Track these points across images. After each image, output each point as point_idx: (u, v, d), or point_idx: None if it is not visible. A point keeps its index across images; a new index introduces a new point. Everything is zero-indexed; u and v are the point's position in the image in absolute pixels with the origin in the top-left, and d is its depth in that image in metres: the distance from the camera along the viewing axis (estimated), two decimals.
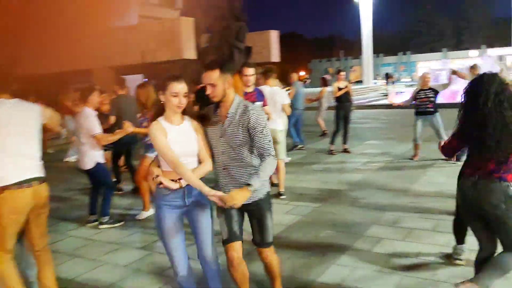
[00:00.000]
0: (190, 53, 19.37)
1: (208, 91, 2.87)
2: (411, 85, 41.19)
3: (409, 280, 3.64)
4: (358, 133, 12.68)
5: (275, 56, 26.34)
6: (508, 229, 2.85)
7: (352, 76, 61.74)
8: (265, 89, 5.92)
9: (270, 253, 3.16)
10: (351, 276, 3.77)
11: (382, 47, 62.67)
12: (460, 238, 3.88)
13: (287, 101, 6.44)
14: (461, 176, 3.06)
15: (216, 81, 2.84)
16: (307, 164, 8.59)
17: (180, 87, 2.79)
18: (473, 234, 3.12)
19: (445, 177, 6.87)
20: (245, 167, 2.91)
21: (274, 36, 26.40)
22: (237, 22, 22.67)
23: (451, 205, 5.47)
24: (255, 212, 3.00)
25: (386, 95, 30.98)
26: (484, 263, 3.02)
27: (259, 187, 2.75)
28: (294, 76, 10.55)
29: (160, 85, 2.84)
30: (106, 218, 5.50)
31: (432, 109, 7.97)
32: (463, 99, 2.95)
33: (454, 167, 7.44)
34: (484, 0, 67.57)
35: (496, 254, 3.01)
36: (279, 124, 6.23)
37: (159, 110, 2.89)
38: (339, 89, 9.35)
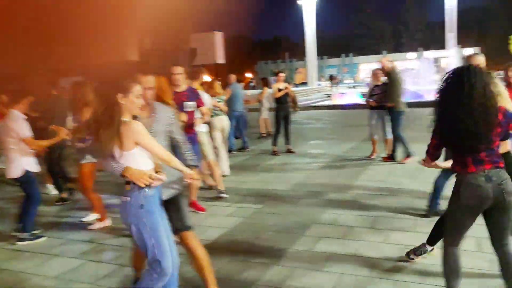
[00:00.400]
0: (133, 55, 18.93)
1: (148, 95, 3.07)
2: (353, 86, 42.56)
3: (348, 278, 3.68)
4: (302, 134, 12.87)
5: (220, 57, 26.27)
6: None
7: (298, 78, 62.81)
8: None
9: (194, 237, 3.33)
10: (291, 276, 3.76)
11: (326, 49, 64.15)
12: (434, 240, 3.81)
13: (207, 104, 6.34)
14: (464, 175, 2.85)
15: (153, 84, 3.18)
16: (250, 166, 8.58)
17: (141, 89, 2.88)
18: (457, 233, 2.98)
19: (384, 175, 7.08)
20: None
21: (218, 37, 26.31)
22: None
23: (389, 202, 5.67)
24: (177, 199, 3.28)
25: (330, 96, 31.78)
26: (457, 259, 2.97)
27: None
28: (232, 78, 10.48)
29: (120, 87, 2.79)
30: (25, 234, 4.96)
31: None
32: (442, 94, 2.85)
33: (393, 165, 7.72)
34: (419, 5, 70.75)
35: (504, 259, 2.90)
36: (202, 127, 6.11)
37: (114, 112, 2.77)
38: (279, 90, 9.40)
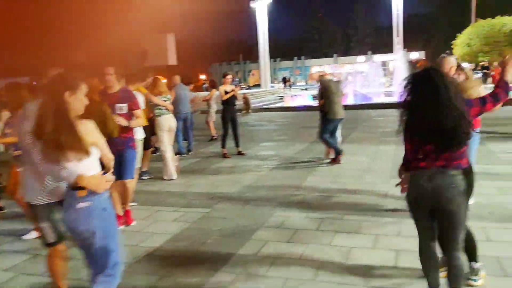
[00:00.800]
0: (79, 56, 18.25)
1: None
2: (305, 89, 43.14)
3: (292, 283, 3.63)
4: (254, 136, 12.84)
5: (172, 59, 25.88)
6: (455, 224, 2.80)
7: (251, 80, 63.06)
8: None
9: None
10: (234, 283, 3.67)
11: (279, 52, 64.77)
12: (471, 255, 3.47)
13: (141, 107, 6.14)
14: (414, 171, 2.88)
15: None
16: (199, 169, 8.43)
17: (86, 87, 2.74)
18: (417, 229, 3.01)
19: (332, 177, 7.13)
20: None
21: (170, 39, 25.93)
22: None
23: (336, 203, 5.70)
24: None
25: (282, 98, 32.05)
26: (432, 254, 2.98)
27: None
28: (176, 79, 10.27)
29: (69, 86, 2.64)
30: None
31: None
32: (407, 97, 2.82)
33: (340, 167, 7.81)
34: (368, 10, 73.03)
35: (450, 264, 2.91)
36: (137, 133, 5.84)
37: (65, 112, 2.62)
38: (226, 92, 9.32)
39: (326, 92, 7.98)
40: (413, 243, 3.92)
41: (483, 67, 24.65)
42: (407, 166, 2.98)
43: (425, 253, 2.99)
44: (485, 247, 4.08)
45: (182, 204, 6.07)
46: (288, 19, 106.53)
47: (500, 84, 2.98)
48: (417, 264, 3.14)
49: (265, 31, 45.26)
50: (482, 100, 2.93)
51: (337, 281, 3.62)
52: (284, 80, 47.82)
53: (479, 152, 8.46)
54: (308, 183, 6.86)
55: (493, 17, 41.80)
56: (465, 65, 35.21)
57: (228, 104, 9.35)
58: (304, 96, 30.86)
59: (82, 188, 2.64)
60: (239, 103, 22.84)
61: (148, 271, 3.96)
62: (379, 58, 51.72)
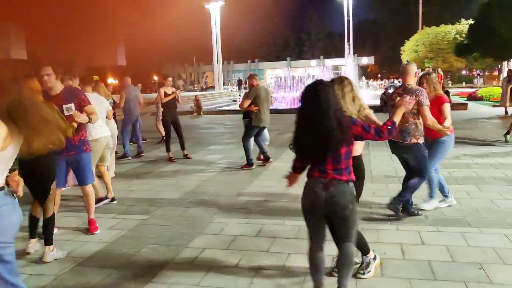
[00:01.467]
0: (21, 53, 17.43)
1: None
2: None
3: None
4: (203, 138, 12.68)
5: (121, 59, 25.32)
6: (350, 225, 3.07)
7: (209, 81, 62.58)
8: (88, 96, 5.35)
9: None
10: None
11: (233, 54, 64.72)
12: (363, 248, 3.74)
13: (109, 107, 6.10)
14: (309, 179, 3.12)
15: None
16: (143, 173, 8.19)
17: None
18: (309, 232, 3.20)
19: (275, 181, 7.10)
20: None
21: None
22: None
23: (277, 208, 5.67)
24: None
25: (235, 101, 31.98)
26: (320, 258, 3.17)
27: None
28: (127, 80, 10.01)
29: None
30: None
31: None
32: (298, 108, 3.06)
33: (284, 171, 7.80)
34: (320, 16, 74.65)
35: (341, 253, 3.17)
36: (107, 130, 6.04)
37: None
38: (166, 94, 9.14)
39: (259, 100, 8.11)
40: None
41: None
42: (298, 171, 3.29)
43: (313, 254, 3.17)
44: (418, 251, 4.18)
45: (121, 210, 5.85)
46: (242, 23, 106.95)
47: (388, 123, 3.22)
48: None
49: (218, 33, 45.07)
50: (367, 127, 3.10)
51: None
52: (239, 83, 47.83)
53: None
54: (252, 188, 6.81)
55: (437, 25, 43.70)
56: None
57: (168, 107, 9.17)
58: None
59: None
60: (191, 105, 22.62)
61: (74, 284, 3.75)
62: (330, 62, 52.76)
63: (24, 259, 4.25)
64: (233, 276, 3.79)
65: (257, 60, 65.54)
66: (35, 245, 4.44)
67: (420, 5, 45.00)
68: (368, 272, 3.69)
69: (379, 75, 47.41)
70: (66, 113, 4.52)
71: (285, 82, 32.95)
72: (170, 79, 9.59)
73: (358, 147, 3.67)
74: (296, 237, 4.65)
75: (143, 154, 9.93)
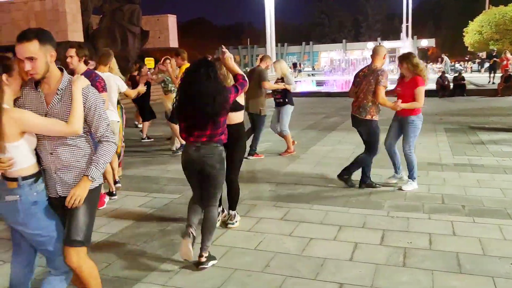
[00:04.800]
0: (77, 35, 18.11)
1: (27, 67, 2.40)
2: (312, 74, 42.73)
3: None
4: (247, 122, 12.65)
5: (173, 41, 25.71)
6: (216, 184, 3.65)
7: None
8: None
9: (78, 256, 2.65)
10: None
11: (287, 36, 64.14)
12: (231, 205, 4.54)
13: (124, 88, 5.82)
14: (186, 143, 3.65)
15: (36, 54, 2.40)
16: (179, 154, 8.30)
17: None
18: (191, 186, 3.80)
19: (311, 165, 6.99)
20: (76, 151, 2.59)
21: (172, 20, 25.74)
22: (130, 4, 21.71)
23: (306, 192, 5.56)
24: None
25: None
26: (193, 208, 3.76)
27: (98, 176, 2.61)
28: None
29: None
30: None
31: (280, 100, 7.99)
32: (181, 80, 3.67)
33: (324, 155, 7.66)
34: None
35: (205, 216, 3.69)
36: (116, 115, 5.64)
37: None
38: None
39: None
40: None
41: (491, 56, 24.05)
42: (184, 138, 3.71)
43: (192, 202, 3.80)
44: (447, 242, 3.96)
45: (153, 189, 5.98)
46: (297, 4, 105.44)
47: (238, 77, 3.80)
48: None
49: (272, 15, 44.62)
50: (235, 87, 3.69)
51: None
52: (295, 65, 47.29)
53: (466, 142, 8.33)
54: (286, 171, 6.77)
55: (505, 5, 40.91)
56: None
57: None
58: (308, 82, 30.54)
59: (14, 179, 2.45)
60: None
61: (102, 258, 3.86)
62: (387, 45, 50.92)
63: None
64: (251, 258, 3.77)
65: (311, 42, 64.45)
66: None
67: None
68: (236, 222, 4.46)
69: (439, 58, 45.23)
70: None
71: (338, 65, 32.30)
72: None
73: (239, 115, 4.32)
74: (322, 222, 4.55)
75: None
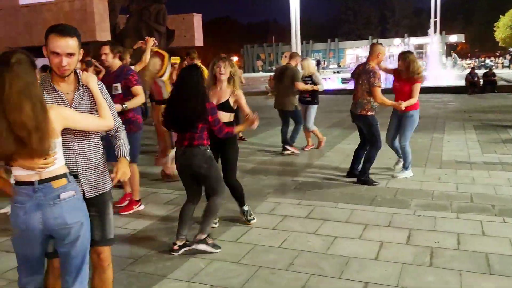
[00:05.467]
0: (105, 35, 18.42)
1: (64, 62, 2.33)
2: (338, 72, 42.31)
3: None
4: (273, 119, 12.63)
5: (198, 40, 25.83)
6: (211, 180, 3.82)
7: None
8: None
9: (109, 254, 2.68)
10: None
11: (313, 33, 63.69)
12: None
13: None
14: (176, 148, 3.89)
15: (76, 50, 2.37)
16: None
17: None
18: (185, 190, 3.97)
19: (337, 163, 6.93)
20: (99, 150, 2.59)
21: (197, 19, 25.82)
22: (157, 4, 21.93)
23: (332, 190, 5.53)
24: (100, 204, 2.58)
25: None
26: (188, 210, 3.92)
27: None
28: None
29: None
30: None
31: (308, 99, 7.97)
32: (173, 87, 3.95)
33: (349, 153, 7.59)
34: None
35: (208, 203, 3.88)
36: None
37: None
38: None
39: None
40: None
41: None
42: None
43: (185, 206, 3.96)
44: (476, 242, 3.87)
45: (178, 187, 6.00)
46: (322, 0, 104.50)
47: (230, 130, 3.94)
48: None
49: (297, 12, 44.40)
50: (216, 122, 3.78)
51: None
52: (318, 63, 46.99)
53: (496, 140, 8.10)
54: (311, 168, 6.73)
55: None
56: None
57: None
58: (334, 79, 30.26)
59: (62, 176, 2.30)
60: (265, 85, 22.63)
61: (128, 254, 3.94)
62: (415, 41, 50.01)
63: None
64: (275, 256, 3.77)
65: (337, 39, 63.80)
66: None
67: None
68: (251, 216, 4.53)
69: (468, 54, 44.02)
70: (113, 92, 4.58)
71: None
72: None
73: (228, 115, 4.31)
74: (347, 220, 4.52)
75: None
